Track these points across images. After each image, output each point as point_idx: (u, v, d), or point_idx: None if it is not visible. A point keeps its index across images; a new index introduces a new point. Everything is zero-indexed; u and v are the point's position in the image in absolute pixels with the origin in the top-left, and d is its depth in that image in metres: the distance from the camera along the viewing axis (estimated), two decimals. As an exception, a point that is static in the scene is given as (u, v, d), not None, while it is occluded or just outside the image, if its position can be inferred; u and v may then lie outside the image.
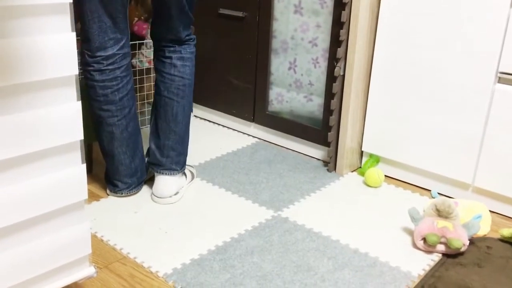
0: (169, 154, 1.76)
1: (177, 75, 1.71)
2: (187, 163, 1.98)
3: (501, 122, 1.69)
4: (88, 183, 1.88)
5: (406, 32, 1.81)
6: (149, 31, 2.23)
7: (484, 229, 1.65)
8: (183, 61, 1.72)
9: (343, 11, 1.85)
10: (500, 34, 1.63)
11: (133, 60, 2.29)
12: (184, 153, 1.81)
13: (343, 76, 1.93)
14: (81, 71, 1.67)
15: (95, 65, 1.60)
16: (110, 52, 1.60)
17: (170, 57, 1.71)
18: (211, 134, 2.38)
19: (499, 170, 1.72)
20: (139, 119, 2.32)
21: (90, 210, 1.71)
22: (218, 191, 1.87)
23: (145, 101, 2.37)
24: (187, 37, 1.72)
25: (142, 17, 2.25)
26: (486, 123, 1.73)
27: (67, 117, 1.09)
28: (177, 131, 1.76)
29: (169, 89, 1.72)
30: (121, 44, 1.61)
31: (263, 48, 2.19)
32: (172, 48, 1.71)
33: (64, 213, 1.16)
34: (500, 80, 1.68)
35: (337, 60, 1.93)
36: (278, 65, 2.19)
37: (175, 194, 1.77)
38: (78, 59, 1.13)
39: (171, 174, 1.77)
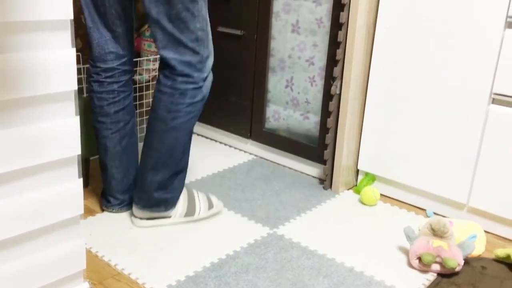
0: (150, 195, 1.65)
1: (152, 107, 1.56)
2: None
3: (495, 143, 1.70)
4: (84, 198, 1.87)
5: (402, 52, 1.83)
6: (145, 44, 2.24)
7: (479, 249, 1.65)
8: (159, 94, 1.53)
9: (339, 31, 1.88)
10: (494, 56, 1.65)
11: (134, 77, 2.30)
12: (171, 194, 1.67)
13: (339, 94, 1.95)
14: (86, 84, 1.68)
15: (94, 75, 1.62)
16: (109, 65, 1.61)
17: (156, 87, 1.55)
18: (208, 150, 2.38)
19: (494, 191, 1.73)
20: (139, 135, 2.32)
21: (86, 225, 1.70)
22: (214, 207, 1.86)
23: (144, 117, 2.38)
24: (178, 68, 1.49)
25: (145, 33, 2.27)
26: (480, 143, 1.74)
27: (65, 131, 1.10)
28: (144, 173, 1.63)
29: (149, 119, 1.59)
30: (122, 60, 1.62)
31: (260, 66, 2.21)
32: (160, 76, 1.53)
33: (59, 227, 1.16)
34: (494, 101, 1.70)
35: (334, 79, 1.95)
36: (275, 83, 2.20)
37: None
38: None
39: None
